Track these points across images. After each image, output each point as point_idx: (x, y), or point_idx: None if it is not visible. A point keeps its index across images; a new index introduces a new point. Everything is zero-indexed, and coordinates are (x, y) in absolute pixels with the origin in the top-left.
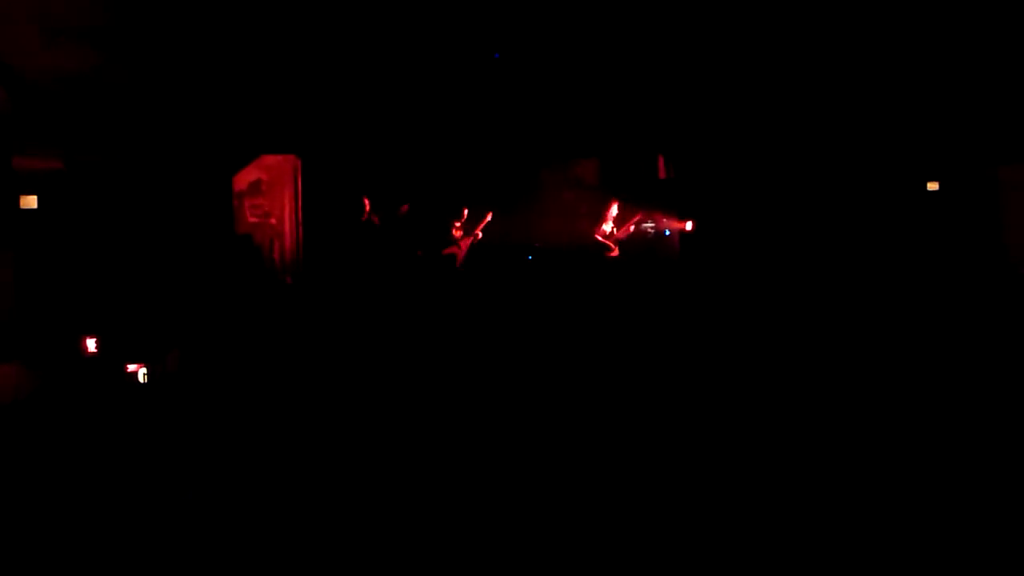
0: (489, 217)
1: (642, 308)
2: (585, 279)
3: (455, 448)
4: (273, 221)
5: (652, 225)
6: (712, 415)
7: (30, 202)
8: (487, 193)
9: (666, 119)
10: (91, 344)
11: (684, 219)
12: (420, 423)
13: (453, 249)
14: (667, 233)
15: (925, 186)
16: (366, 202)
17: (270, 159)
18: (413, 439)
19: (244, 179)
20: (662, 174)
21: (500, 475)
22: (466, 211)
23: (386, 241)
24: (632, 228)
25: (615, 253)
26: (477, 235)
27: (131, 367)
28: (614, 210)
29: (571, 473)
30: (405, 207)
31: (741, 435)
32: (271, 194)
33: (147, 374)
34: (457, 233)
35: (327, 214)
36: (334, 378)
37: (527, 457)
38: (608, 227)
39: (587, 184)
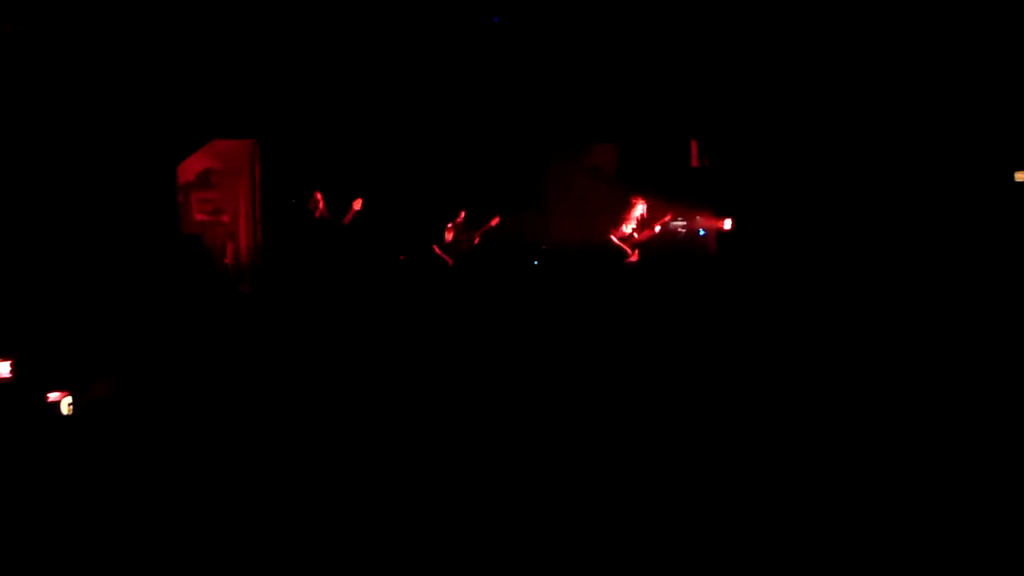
0: (495, 222)
1: (671, 327)
2: (601, 290)
3: (440, 510)
4: (226, 219)
5: (682, 224)
6: (761, 463)
7: None
8: (484, 185)
9: (700, 94)
10: (3, 368)
11: (722, 216)
12: (400, 469)
13: (443, 254)
14: (701, 234)
15: (1012, 176)
16: (318, 197)
17: (223, 145)
18: (393, 492)
19: (191, 168)
20: (695, 162)
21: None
22: (463, 213)
23: (360, 244)
24: (658, 228)
25: (635, 259)
26: (474, 240)
27: (52, 396)
28: (638, 207)
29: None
30: (357, 201)
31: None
32: (224, 187)
33: (72, 404)
34: (448, 235)
35: (292, 211)
36: (298, 411)
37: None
38: (628, 227)
39: (603, 175)
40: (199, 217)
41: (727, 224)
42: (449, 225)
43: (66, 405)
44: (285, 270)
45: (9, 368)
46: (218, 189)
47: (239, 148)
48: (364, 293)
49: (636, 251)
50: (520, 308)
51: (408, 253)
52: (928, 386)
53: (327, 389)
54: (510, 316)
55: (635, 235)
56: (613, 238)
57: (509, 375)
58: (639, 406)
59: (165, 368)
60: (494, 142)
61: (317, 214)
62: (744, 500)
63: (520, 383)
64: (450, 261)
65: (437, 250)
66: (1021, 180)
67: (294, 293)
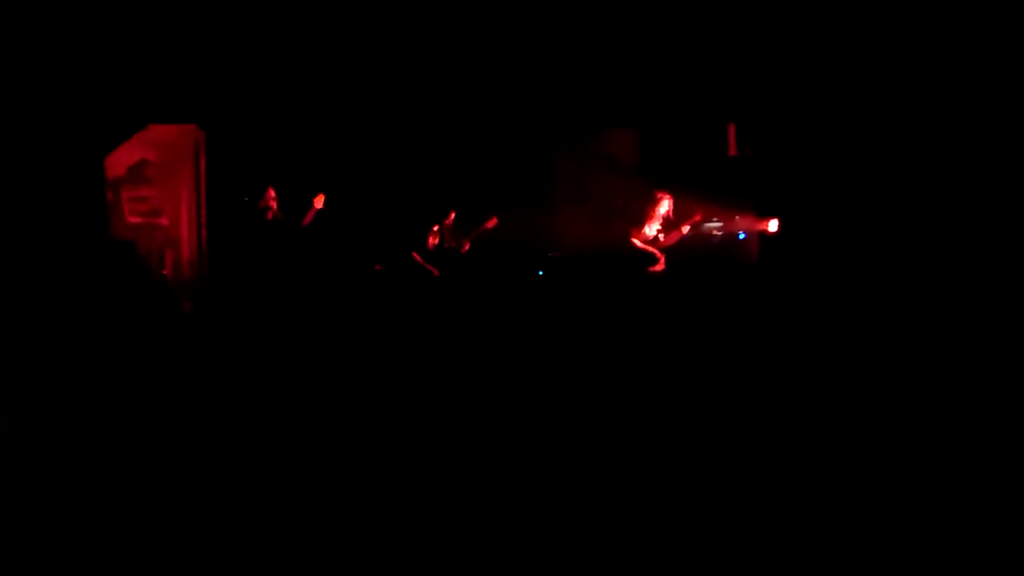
0: (491, 225)
1: (705, 354)
2: (620, 307)
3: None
4: (164, 221)
5: (718, 226)
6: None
7: None
8: (477, 180)
9: (739, 67)
10: None
11: (766, 216)
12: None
13: (426, 264)
14: (741, 237)
15: None
16: (271, 193)
17: (161, 132)
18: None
19: (122, 161)
20: (733, 150)
21: None
22: (453, 213)
23: (325, 251)
24: (688, 230)
25: (660, 267)
26: (464, 246)
27: None
28: (664, 205)
29: None
30: (319, 198)
31: None
32: (162, 182)
33: None
34: (434, 240)
35: (244, 211)
36: (245, 460)
37: None
38: (652, 229)
39: (622, 166)
40: (132, 219)
41: (772, 226)
42: (435, 228)
43: None
44: (237, 284)
45: None
46: (155, 185)
47: (180, 136)
48: (331, 313)
49: (662, 258)
50: (522, 330)
51: (385, 262)
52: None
53: (282, 433)
54: (510, 340)
55: (660, 239)
56: (634, 243)
57: (509, 418)
58: (668, 459)
59: (82, 407)
60: (489, 127)
61: (270, 215)
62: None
63: (523, 430)
64: (436, 272)
65: (419, 259)
66: None
67: (247, 312)
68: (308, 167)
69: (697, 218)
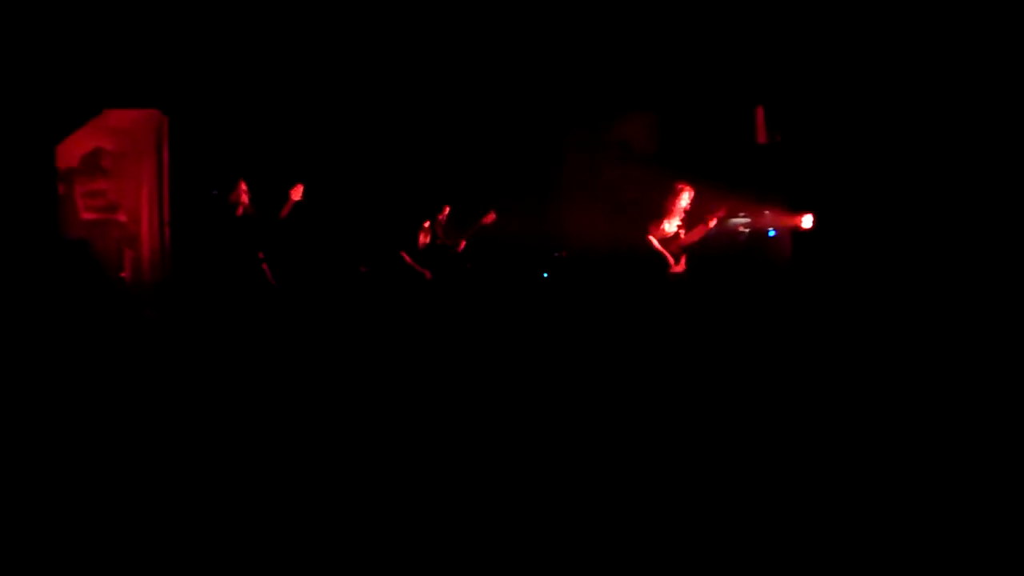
0: (489, 220)
1: (731, 366)
2: (636, 313)
3: None
4: (122, 218)
5: (746, 221)
6: None
7: None
8: (475, 170)
9: (767, 43)
10: None
11: (799, 211)
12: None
13: (416, 265)
14: (771, 235)
15: None
16: (242, 186)
17: (119, 117)
18: None
19: (75, 150)
20: (762, 137)
21: None
22: (447, 208)
23: (303, 250)
24: (712, 226)
25: (681, 268)
26: (460, 245)
27: None
28: (684, 199)
29: None
30: (297, 190)
31: None
32: (120, 174)
33: None
34: (425, 238)
35: (212, 206)
36: (209, 489)
37: None
38: (671, 225)
39: (637, 155)
40: (87, 216)
41: (806, 222)
42: (426, 224)
43: None
44: (204, 288)
45: None
46: (112, 177)
47: (140, 122)
48: (309, 321)
49: (683, 258)
50: (525, 341)
51: (370, 263)
52: None
53: (251, 458)
54: (511, 352)
55: (681, 236)
56: (651, 240)
57: (508, 445)
58: (694, 490)
59: (29, 426)
60: (486, 109)
61: (241, 210)
62: None
63: (524, 459)
64: (428, 274)
65: (409, 259)
66: None
67: (216, 320)
68: (284, 156)
69: (721, 213)
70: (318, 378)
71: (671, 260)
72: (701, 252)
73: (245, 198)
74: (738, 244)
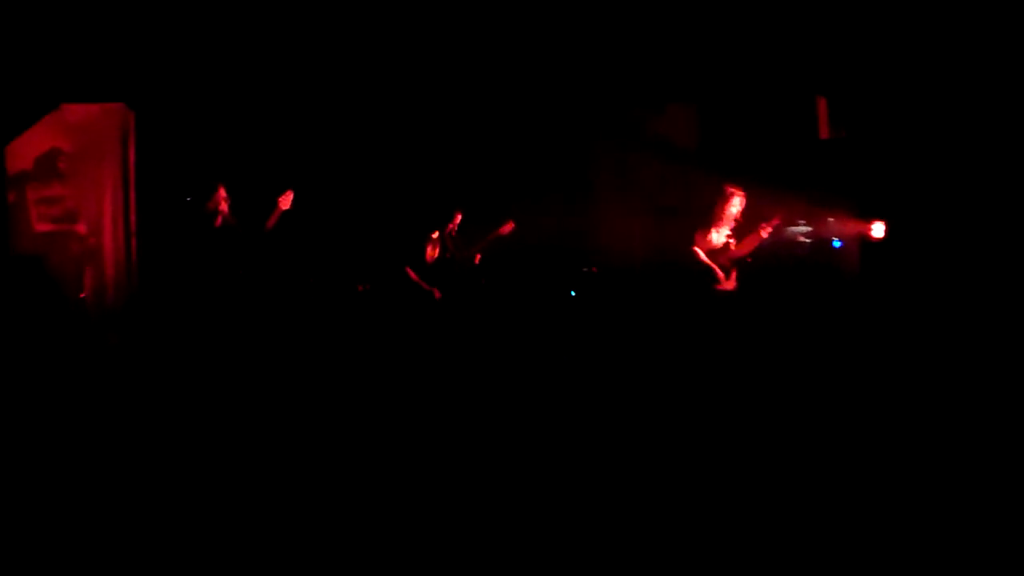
0: (507, 230)
1: (787, 399)
2: (680, 338)
3: None
4: (82, 229)
5: (806, 230)
6: None
7: None
8: (491, 172)
9: (830, 25)
10: None
11: (869, 218)
12: None
13: (422, 282)
14: (836, 245)
15: None
16: (221, 192)
17: (78, 113)
18: None
19: (28, 151)
20: (824, 132)
21: None
22: (459, 216)
23: (293, 266)
24: (766, 236)
25: (731, 285)
26: (474, 258)
27: None
28: (735, 204)
29: None
30: (286, 198)
31: None
32: (79, 178)
33: None
34: (433, 252)
35: (185, 215)
36: (192, 534)
37: None
38: (720, 235)
39: (679, 153)
40: (41, 227)
41: (877, 230)
42: (434, 235)
43: None
44: (176, 310)
45: None
46: (71, 182)
47: (102, 118)
48: (298, 349)
49: (733, 273)
50: (551, 372)
51: (369, 281)
52: None
53: (224, 512)
54: (535, 385)
55: (731, 248)
56: (697, 253)
57: (534, 498)
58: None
59: None
60: (503, 102)
61: (220, 220)
62: None
63: (552, 516)
64: (437, 293)
65: (415, 276)
66: None
67: (188, 348)
68: (270, 156)
69: (777, 221)
70: (306, 419)
71: (720, 275)
72: (754, 266)
73: (224, 206)
74: (797, 257)
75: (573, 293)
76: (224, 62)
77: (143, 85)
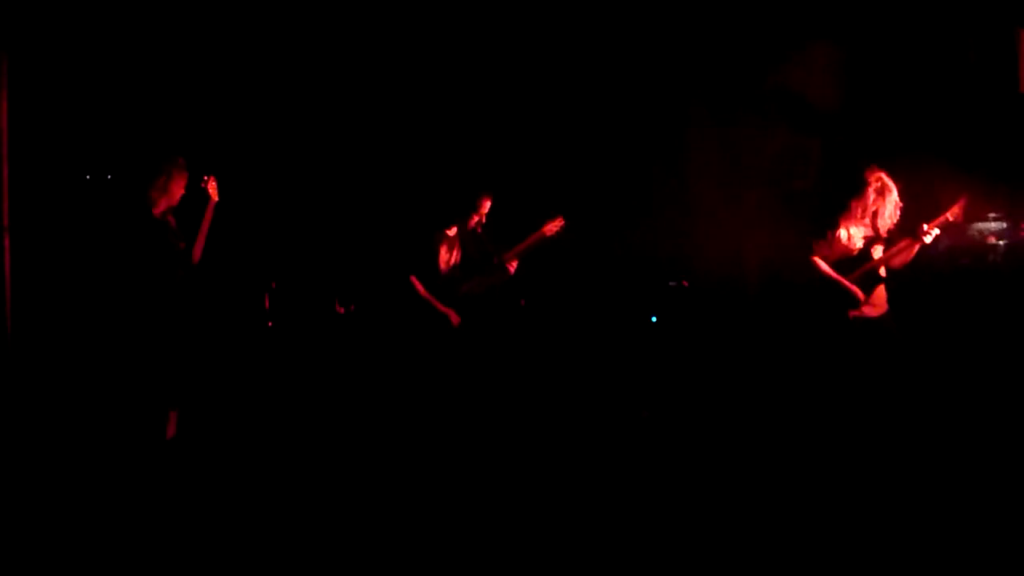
0: (553, 229)
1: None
2: (801, 380)
3: None
4: None
5: (999, 227)
6: None
7: None
8: (528, 147)
9: None
10: None
11: None
12: None
13: (435, 301)
14: None
15: None
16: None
17: None
18: None
19: None
20: None
21: None
22: (486, 201)
23: (245, 273)
24: (930, 239)
25: (877, 310)
26: (509, 266)
27: None
28: (889, 195)
29: None
30: (210, 186)
31: None
32: None
33: None
34: (447, 257)
35: (82, 201)
36: None
37: None
38: (857, 237)
39: (803, 122)
40: None
41: None
42: (450, 231)
43: None
44: (66, 334)
45: None
46: None
47: None
48: (245, 390)
49: (881, 291)
50: (620, 427)
51: (357, 298)
52: None
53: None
54: (597, 445)
55: (876, 256)
56: (817, 263)
57: None
58: None
59: None
60: (551, 52)
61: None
62: None
63: None
64: (454, 316)
65: (423, 290)
66: None
67: (84, 381)
68: (206, 119)
69: (955, 211)
70: (248, 481)
71: (859, 295)
72: (914, 281)
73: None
74: (986, 262)
75: (654, 319)
76: None
77: (21, 22)
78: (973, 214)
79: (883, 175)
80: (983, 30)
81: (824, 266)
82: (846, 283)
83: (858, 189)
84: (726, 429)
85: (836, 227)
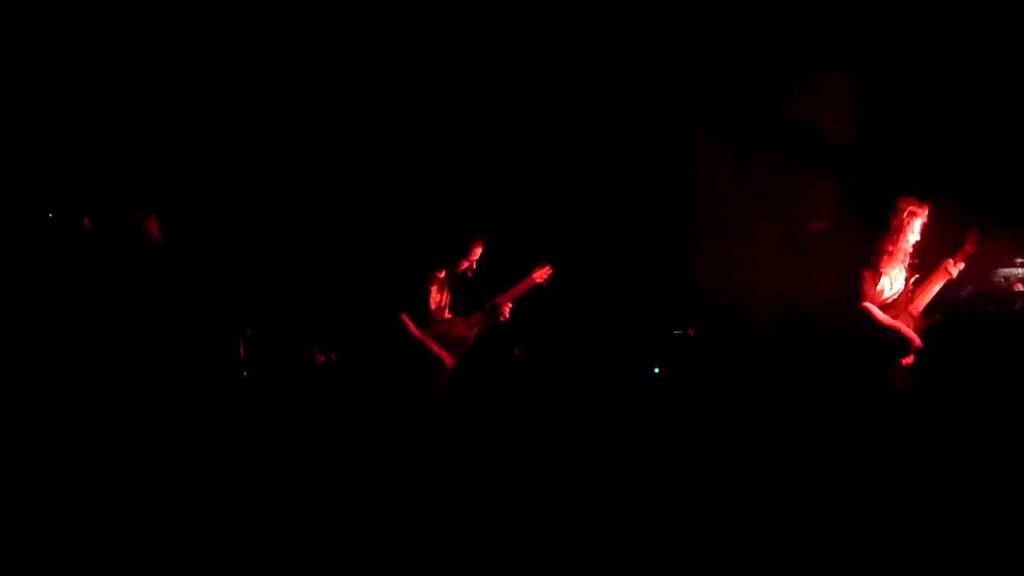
0: (542, 276)
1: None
2: (828, 441)
3: None
4: None
5: None
6: None
7: None
8: (519, 177)
9: None
10: None
11: None
12: None
13: (428, 339)
14: None
15: None
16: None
17: None
18: None
19: None
20: None
21: None
22: (479, 248)
23: (212, 315)
24: (960, 266)
25: (907, 360)
26: (500, 310)
27: None
28: (914, 223)
29: None
30: (152, 218)
31: None
32: None
33: None
34: (439, 297)
35: (39, 237)
36: None
37: None
38: (897, 278)
39: (823, 150)
40: None
41: None
42: (439, 273)
43: None
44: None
45: None
46: None
47: None
48: (233, 447)
49: (917, 342)
50: (623, 500)
51: (337, 345)
52: None
53: None
54: (597, 515)
55: (909, 297)
56: (871, 310)
57: None
58: None
59: None
60: (550, 72)
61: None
62: None
63: None
64: (449, 360)
65: (415, 330)
66: None
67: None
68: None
69: (971, 241)
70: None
71: (916, 342)
72: (937, 324)
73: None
74: (1009, 316)
75: (657, 370)
76: None
77: None
78: (998, 259)
79: (915, 205)
80: (1005, 62)
81: (879, 313)
82: (905, 331)
83: (895, 223)
84: (734, 490)
85: (878, 268)
